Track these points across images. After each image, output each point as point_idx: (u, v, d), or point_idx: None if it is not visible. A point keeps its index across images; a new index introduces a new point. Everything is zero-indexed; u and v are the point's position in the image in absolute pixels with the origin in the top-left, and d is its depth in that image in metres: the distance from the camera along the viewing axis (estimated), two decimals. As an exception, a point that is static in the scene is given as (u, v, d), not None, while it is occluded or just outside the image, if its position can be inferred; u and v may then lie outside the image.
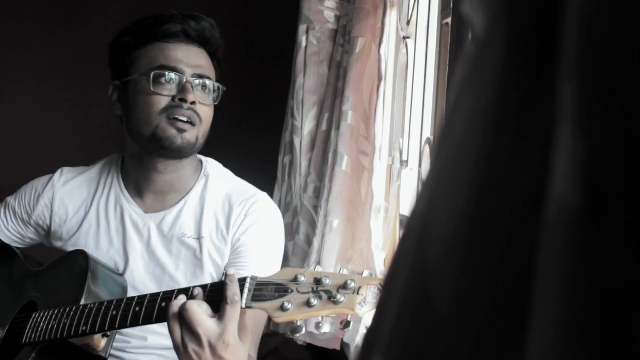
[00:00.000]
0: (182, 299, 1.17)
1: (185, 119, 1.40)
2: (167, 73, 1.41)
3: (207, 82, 1.44)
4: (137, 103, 1.43)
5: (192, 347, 1.14)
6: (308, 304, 1.08)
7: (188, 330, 1.14)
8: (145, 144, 1.43)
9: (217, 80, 1.48)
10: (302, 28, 2.09)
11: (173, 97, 1.40)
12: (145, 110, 1.41)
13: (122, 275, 1.45)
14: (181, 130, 1.40)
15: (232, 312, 1.13)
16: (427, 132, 1.75)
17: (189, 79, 1.42)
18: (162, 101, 1.40)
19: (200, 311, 1.14)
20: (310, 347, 1.91)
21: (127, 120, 1.47)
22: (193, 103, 1.40)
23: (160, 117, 1.40)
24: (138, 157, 1.47)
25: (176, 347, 1.17)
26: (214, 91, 1.46)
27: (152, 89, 1.40)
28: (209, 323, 1.13)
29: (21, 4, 2.70)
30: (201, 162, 1.53)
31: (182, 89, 1.41)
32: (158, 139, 1.40)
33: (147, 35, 1.45)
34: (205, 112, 1.44)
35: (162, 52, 1.43)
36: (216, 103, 1.47)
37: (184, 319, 1.14)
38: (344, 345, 1.82)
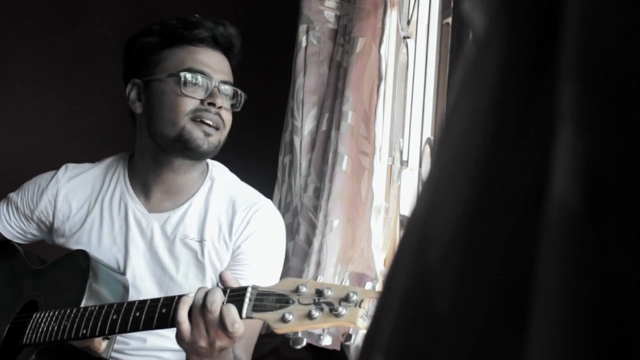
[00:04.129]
0: (203, 291, 1.16)
1: (212, 123, 1.42)
2: (197, 76, 1.43)
3: (230, 88, 1.47)
4: (164, 103, 1.44)
5: (203, 342, 1.15)
6: (309, 315, 1.07)
7: (217, 328, 1.14)
8: (168, 143, 1.43)
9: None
10: (302, 28, 2.09)
11: (201, 101, 1.42)
12: (172, 111, 1.42)
13: (123, 274, 1.44)
14: (207, 134, 1.42)
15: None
16: (427, 132, 1.75)
17: (217, 84, 1.44)
18: (191, 103, 1.42)
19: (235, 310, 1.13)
20: (310, 347, 1.91)
21: (148, 118, 1.47)
22: (220, 108, 1.43)
23: (186, 118, 1.42)
24: (151, 156, 1.47)
25: (186, 341, 1.16)
26: (234, 97, 1.48)
27: (182, 90, 1.42)
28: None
29: (21, 3, 2.70)
30: (207, 165, 1.54)
31: (211, 93, 1.43)
32: (184, 140, 1.41)
33: (175, 36, 1.46)
34: (228, 118, 1.47)
35: (191, 55, 1.45)
36: (238, 109, 1.49)
37: (216, 317, 1.14)
38: (344, 346, 1.82)
